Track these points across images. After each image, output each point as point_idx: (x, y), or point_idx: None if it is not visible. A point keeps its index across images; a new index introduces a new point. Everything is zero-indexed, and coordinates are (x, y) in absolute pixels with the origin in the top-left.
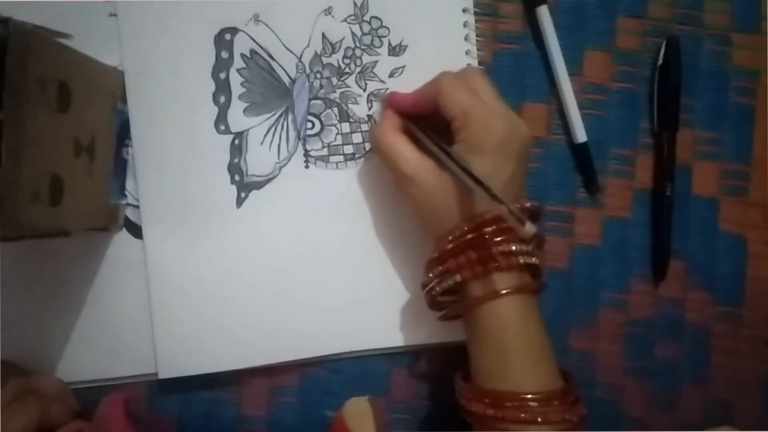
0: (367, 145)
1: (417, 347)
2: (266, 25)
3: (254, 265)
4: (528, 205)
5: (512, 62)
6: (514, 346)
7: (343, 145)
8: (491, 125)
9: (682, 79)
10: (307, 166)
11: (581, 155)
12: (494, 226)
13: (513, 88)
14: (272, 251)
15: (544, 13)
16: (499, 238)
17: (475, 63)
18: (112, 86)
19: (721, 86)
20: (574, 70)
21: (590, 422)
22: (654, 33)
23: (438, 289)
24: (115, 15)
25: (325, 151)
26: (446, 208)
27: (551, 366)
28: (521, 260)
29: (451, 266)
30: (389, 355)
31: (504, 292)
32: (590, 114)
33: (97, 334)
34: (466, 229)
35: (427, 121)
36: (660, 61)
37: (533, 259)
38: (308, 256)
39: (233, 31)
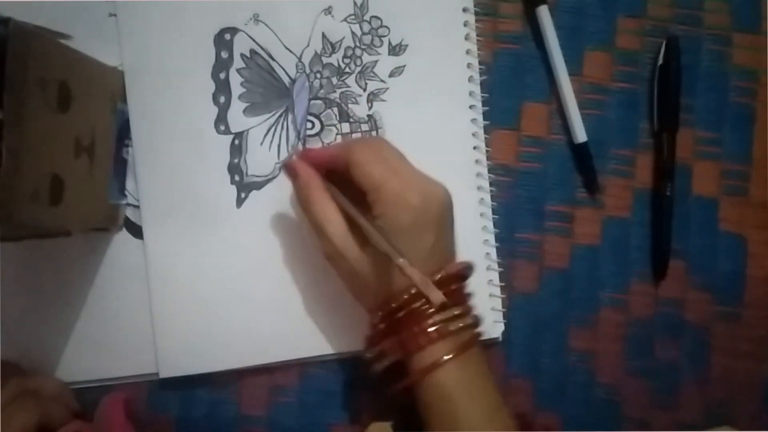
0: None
1: None
2: (266, 25)
3: (254, 265)
4: (454, 270)
5: (512, 62)
6: (463, 416)
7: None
8: (402, 203)
9: (682, 79)
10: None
11: (581, 155)
12: (422, 300)
13: (513, 88)
14: (272, 251)
15: (544, 13)
16: (426, 312)
17: (475, 63)
18: (112, 86)
19: (721, 86)
20: (574, 70)
21: (590, 422)
22: (654, 33)
23: (378, 367)
24: (115, 15)
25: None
26: (371, 284)
27: (504, 418)
28: (451, 328)
29: (385, 347)
30: None
31: (444, 360)
32: (590, 114)
33: (97, 334)
34: (398, 303)
35: (343, 179)
36: (660, 61)
37: (465, 321)
38: (308, 256)
39: (233, 31)
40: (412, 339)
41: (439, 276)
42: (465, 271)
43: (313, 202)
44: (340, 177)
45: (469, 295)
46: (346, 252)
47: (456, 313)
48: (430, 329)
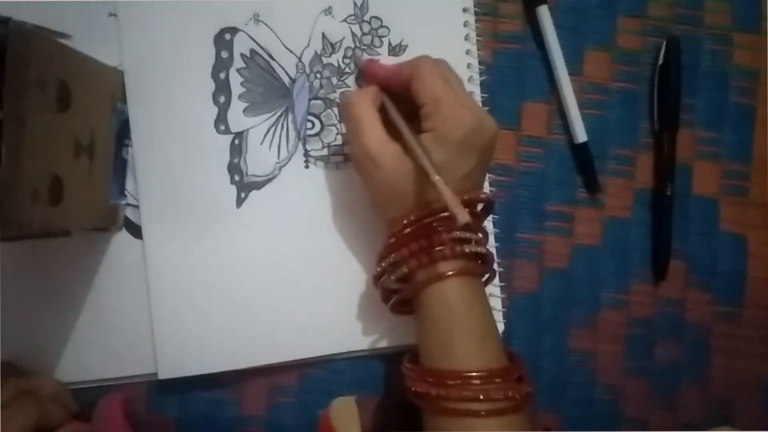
0: None
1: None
2: (266, 25)
3: (254, 265)
4: (482, 195)
5: (512, 62)
6: (458, 327)
7: (343, 145)
8: (459, 118)
9: (682, 79)
10: (307, 166)
11: (581, 155)
12: (445, 214)
13: (513, 88)
14: (272, 251)
15: (544, 12)
16: (445, 227)
17: (475, 63)
18: (112, 86)
19: (721, 86)
20: (574, 70)
21: (590, 422)
22: (654, 33)
23: (391, 278)
24: (115, 15)
25: (325, 151)
26: (402, 193)
27: (495, 346)
28: (466, 249)
29: (404, 254)
30: (389, 355)
31: (449, 274)
32: (590, 114)
33: (96, 334)
34: (419, 214)
35: (396, 100)
36: (660, 61)
37: (479, 248)
38: (308, 256)
39: (233, 30)
40: (427, 249)
41: (467, 198)
42: (489, 202)
43: (357, 103)
44: (393, 95)
45: (486, 233)
46: (381, 158)
47: (472, 237)
48: (444, 245)
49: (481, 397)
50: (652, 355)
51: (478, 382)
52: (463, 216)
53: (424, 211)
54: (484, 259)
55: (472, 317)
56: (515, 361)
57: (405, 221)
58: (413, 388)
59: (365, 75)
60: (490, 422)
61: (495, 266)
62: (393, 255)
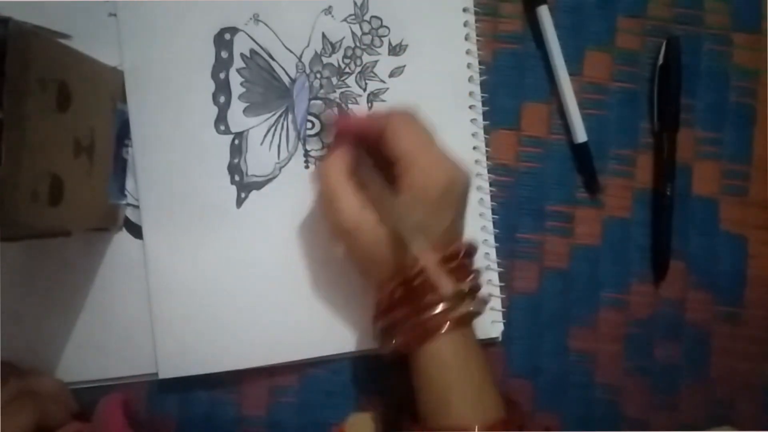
0: None
1: None
2: (266, 25)
3: (254, 265)
4: (463, 246)
5: (512, 62)
6: (455, 385)
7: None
8: (434, 177)
9: (682, 79)
10: (307, 166)
11: (581, 155)
12: (425, 278)
13: (513, 88)
14: (272, 251)
15: (544, 12)
16: (429, 297)
17: (475, 63)
18: (112, 86)
19: (721, 86)
20: (574, 70)
21: (590, 422)
22: (654, 33)
23: (388, 342)
24: (115, 15)
25: (325, 151)
26: (383, 260)
27: (493, 398)
28: (453, 315)
29: (393, 319)
30: None
31: (442, 332)
32: (590, 114)
33: (97, 334)
34: (403, 277)
35: (368, 151)
36: (660, 61)
37: (470, 308)
38: (308, 256)
39: (233, 30)
40: (418, 311)
41: (449, 252)
42: (471, 249)
43: (329, 176)
44: (365, 149)
45: (476, 271)
46: (357, 231)
47: (462, 289)
48: (434, 313)
49: None
50: (651, 355)
51: None
52: (446, 286)
53: (409, 273)
54: (477, 297)
55: (468, 373)
56: (515, 408)
57: (392, 286)
58: None
59: (337, 131)
60: None
61: (495, 267)
62: (383, 320)
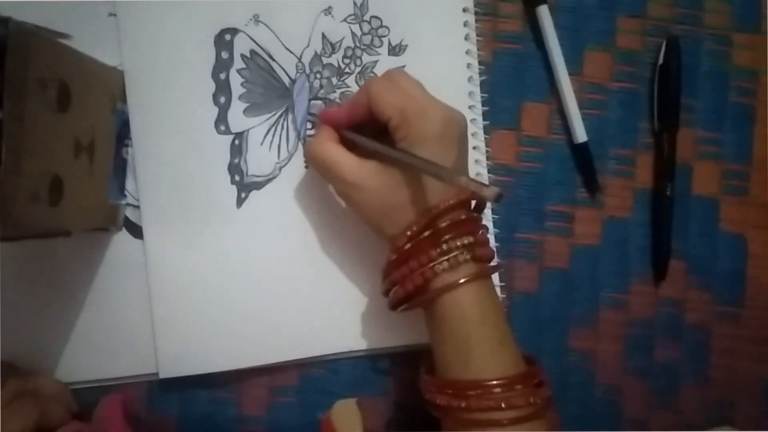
0: None
1: (417, 347)
2: (266, 25)
3: (254, 265)
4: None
5: (512, 62)
6: (475, 336)
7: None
8: (429, 116)
9: (682, 79)
10: (307, 166)
11: (581, 155)
12: (448, 220)
13: (513, 88)
14: (272, 251)
15: (544, 12)
16: (455, 231)
17: (475, 63)
18: (112, 86)
19: (721, 86)
20: (574, 70)
21: (590, 422)
22: (654, 33)
23: (401, 292)
24: (115, 15)
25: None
26: (394, 207)
27: (512, 351)
28: (477, 252)
29: (409, 269)
30: (389, 355)
31: (462, 281)
32: (590, 114)
33: (97, 334)
34: (420, 225)
35: (363, 129)
36: (660, 61)
37: (485, 250)
38: (308, 256)
39: (233, 31)
40: (434, 260)
41: (463, 197)
42: (481, 200)
43: (317, 147)
44: (360, 130)
45: (486, 227)
46: (361, 179)
47: (471, 241)
48: (452, 252)
49: (503, 405)
50: (651, 354)
51: (498, 390)
52: (490, 191)
53: (424, 220)
54: (490, 257)
55: (488, 325)
56: (533, 365)
57: (408, 233)
58: (434, 401)
59: (326, 123)
60: (514, 431)
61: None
62: (397, 271)
